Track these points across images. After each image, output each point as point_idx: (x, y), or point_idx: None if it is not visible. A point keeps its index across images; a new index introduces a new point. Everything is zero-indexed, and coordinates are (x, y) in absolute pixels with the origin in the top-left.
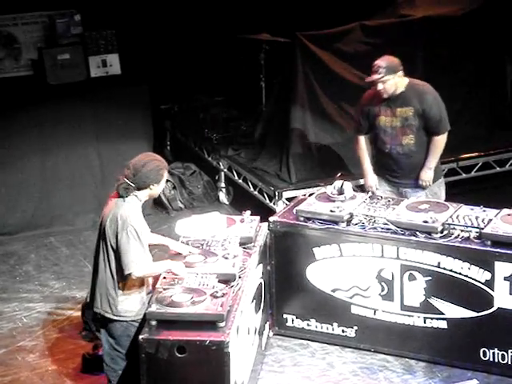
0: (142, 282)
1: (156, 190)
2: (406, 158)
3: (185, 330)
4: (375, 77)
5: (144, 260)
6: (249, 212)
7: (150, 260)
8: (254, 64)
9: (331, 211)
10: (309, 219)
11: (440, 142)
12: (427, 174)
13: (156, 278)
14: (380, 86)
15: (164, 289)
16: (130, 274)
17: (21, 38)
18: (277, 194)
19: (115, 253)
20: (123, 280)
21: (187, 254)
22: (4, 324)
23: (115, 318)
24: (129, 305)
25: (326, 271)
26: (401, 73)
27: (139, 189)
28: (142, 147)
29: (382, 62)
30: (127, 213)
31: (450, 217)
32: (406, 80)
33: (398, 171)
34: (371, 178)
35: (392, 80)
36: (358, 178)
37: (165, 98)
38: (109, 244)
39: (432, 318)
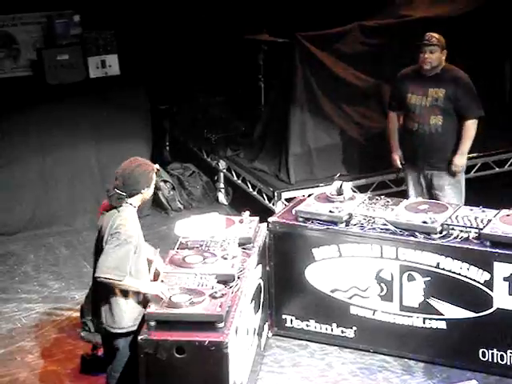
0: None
1: (147, 193)
2: (431, 138)
3: (184, 331)
4: (424, 42)
5: (116, 271)
6: (248, 212)
7: (125, 273)
8: (252, 64)
9: (330, 212)
10: (308, 220)
11: (471, 126)
12: (461, 160)
13: (154, 279)
14: (427, 54)
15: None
16: (97, 278)
17: (20, 39)
18: (276, 194)
19: None
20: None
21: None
22: (3, 324)
23: (119, 331)
24: (130, 315)
25: (325, 272)
26: (445, 52)
27: (131, 196)
28: (140, 147)
29: (435, 34)
30: (122, 222)
31: (449, 217)
32: (443, 63)
33: (422, 152)
34: (396, 153)
35: (438, 54)
36: (356, 179)
37: (163, 98)
38: None
39: (431, 319)
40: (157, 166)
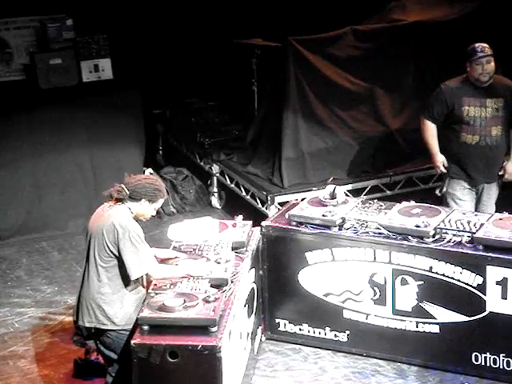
0: (135, 287)
1: (145, 208)
2: (492, 150)
3: (177, 335)
4: (481, 55)
5: (155, 262)
6: (241, 217)
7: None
8: (246, 68)
9: (323, 216)
10: (301, 224)
11: None
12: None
13: (149, 283)
14: (486, 66)
15: (156, 293)
16: (139, 278)
17: (12, 43)
18: (269, 198)
19: (118, 260)
20: (121, 286)
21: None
22: None
23: (113, 327)
24: (124, 312)
25: (319, 276)
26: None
27: (131, 198)
28: (134, 152)
29: (485, 44)
30: (125, 221)
31: (442, 221)
32: None
33: (483, 165)
34: (440, 156)
35: (493, 63)
36: (349, 183)
37: (157, 102)
38: (106, 253)
39: (424, 323)
40: (150, 169)
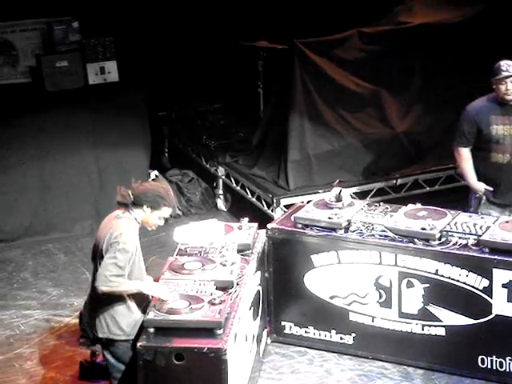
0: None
1: (149, 216)
2: None
3: (183, 338)
4: (506, 74)
5: (115, 278)
6: (247, 219)
7: (124, 279)
8: (251, 71)
9: (329, 218)
10: (307, 226)
11: None
12: None
13: None
14: (510, 85)
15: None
16: (97, 287)
17: (18, 45)
18: (275, 200)
19: None
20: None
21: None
22: (1, 331)
23: (126, 338)
24: (133, 320)
25: (324, 278)
26: None
27: (134, 204)
28: (139, 154)
29: (509, 61)
30: (121, 230)
31: (448, 224)
32: None
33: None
34: (479, 184)
35: None
36: (355, 185)
37: (163, 104)
38: None
39: (430, 325)
40: (156, 172)
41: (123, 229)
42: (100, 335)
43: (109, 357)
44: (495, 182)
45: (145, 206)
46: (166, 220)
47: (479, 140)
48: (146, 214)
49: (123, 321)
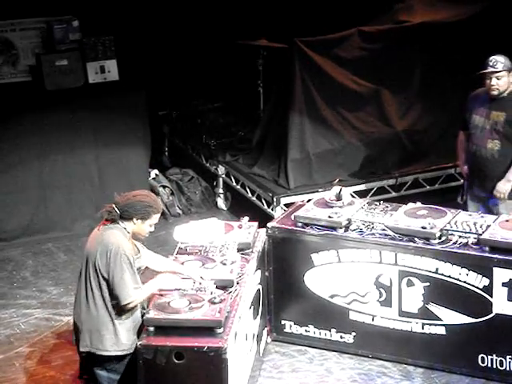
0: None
1: (140, 227)
2: (486, 163)
3: (183, 336)
4: (490, 70)
5: (137, 290)
6: (247, 218)
7: (140, 286)
8: (252, 70)
9: (329, 217)
10: (307, 225)
11: None
12: (504, 186)
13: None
14: (494, 81)
15: (162, 295)
16: (126, 304)
17: (18, 44)
18: (275, 199)
19: (108, 283)
20: (118, 309)
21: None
22: (1, 330)
23: (119, 353)
24: (128, 335)
25: (324, 277)
26: None
27: (122, 218)
28: (140, 153)
29: (500, 57)
30: (118, 242)
31: (448, 223)
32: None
33: (476, 175)
34: (465, 167)
35: (506, 78)
36: (355, 184)
37: (163, 103)
38: (100, 276)
39: (430, 324)
40: (156, 171)
41: (119, 240)
42: (100, 353)
43: (110, 375)
44: (472, 172)
45: (134, 219)
46: (163, 213)
47: (470, 126)
48: (137, 226)
49: (124, 335)
